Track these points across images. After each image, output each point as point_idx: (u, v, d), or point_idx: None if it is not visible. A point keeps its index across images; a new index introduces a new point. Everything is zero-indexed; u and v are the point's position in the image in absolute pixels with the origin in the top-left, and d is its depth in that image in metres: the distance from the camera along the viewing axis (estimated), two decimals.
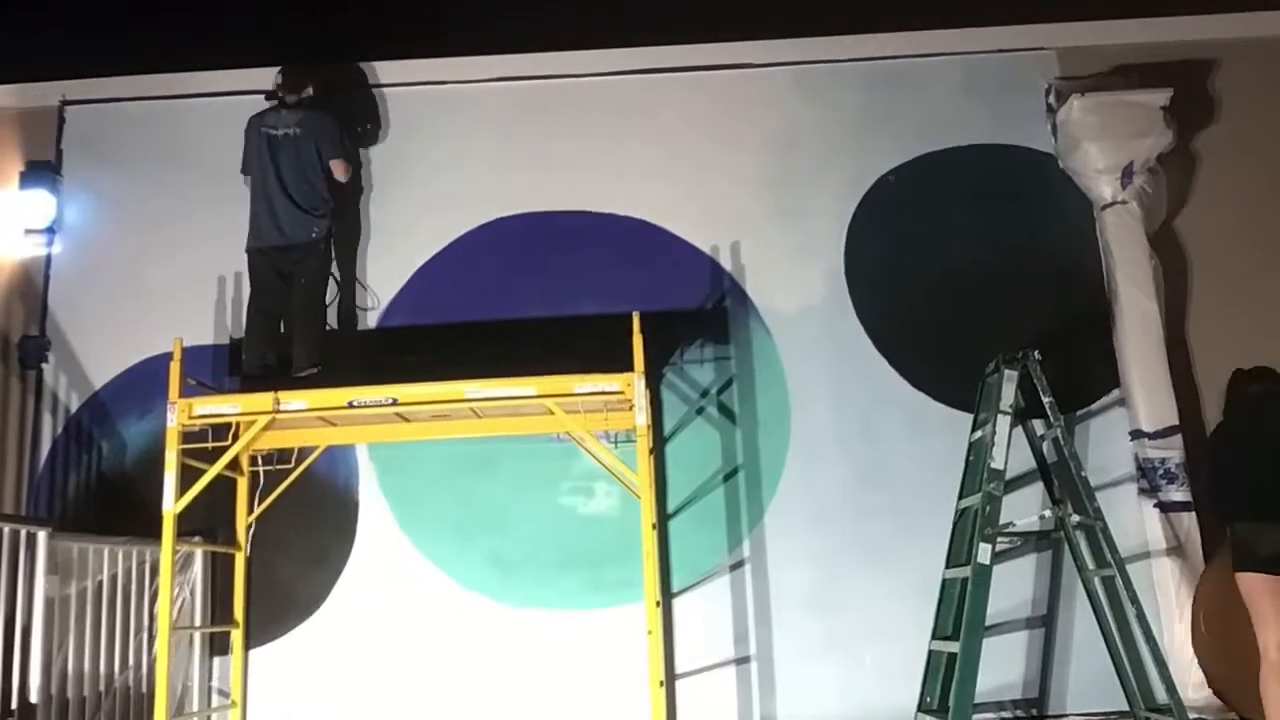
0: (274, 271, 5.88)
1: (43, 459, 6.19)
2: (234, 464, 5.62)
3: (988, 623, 5.13)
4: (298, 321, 5.84)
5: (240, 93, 6.59)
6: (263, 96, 6.24)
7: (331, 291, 6.12)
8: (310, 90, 6.11)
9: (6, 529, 4.73)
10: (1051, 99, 6.35)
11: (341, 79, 6.60)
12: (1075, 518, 5.51)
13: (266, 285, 5.88)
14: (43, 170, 6.50)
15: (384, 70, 6.66)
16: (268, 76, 6.53)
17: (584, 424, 5.36)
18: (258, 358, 5.80)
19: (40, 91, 6.68)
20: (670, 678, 5.69)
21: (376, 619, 5.90)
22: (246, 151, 6.06)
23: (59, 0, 7.59)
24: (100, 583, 5.25)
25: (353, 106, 6.54)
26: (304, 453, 5.99)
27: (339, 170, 6.02)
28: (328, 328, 6.05)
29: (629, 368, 5.21)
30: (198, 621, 5.79)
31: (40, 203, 6.42)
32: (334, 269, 6.10)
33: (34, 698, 4.72)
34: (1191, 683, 5.48)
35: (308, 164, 5.92)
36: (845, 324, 6.24)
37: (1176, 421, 5.83)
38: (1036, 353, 5.54)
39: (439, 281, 6.35)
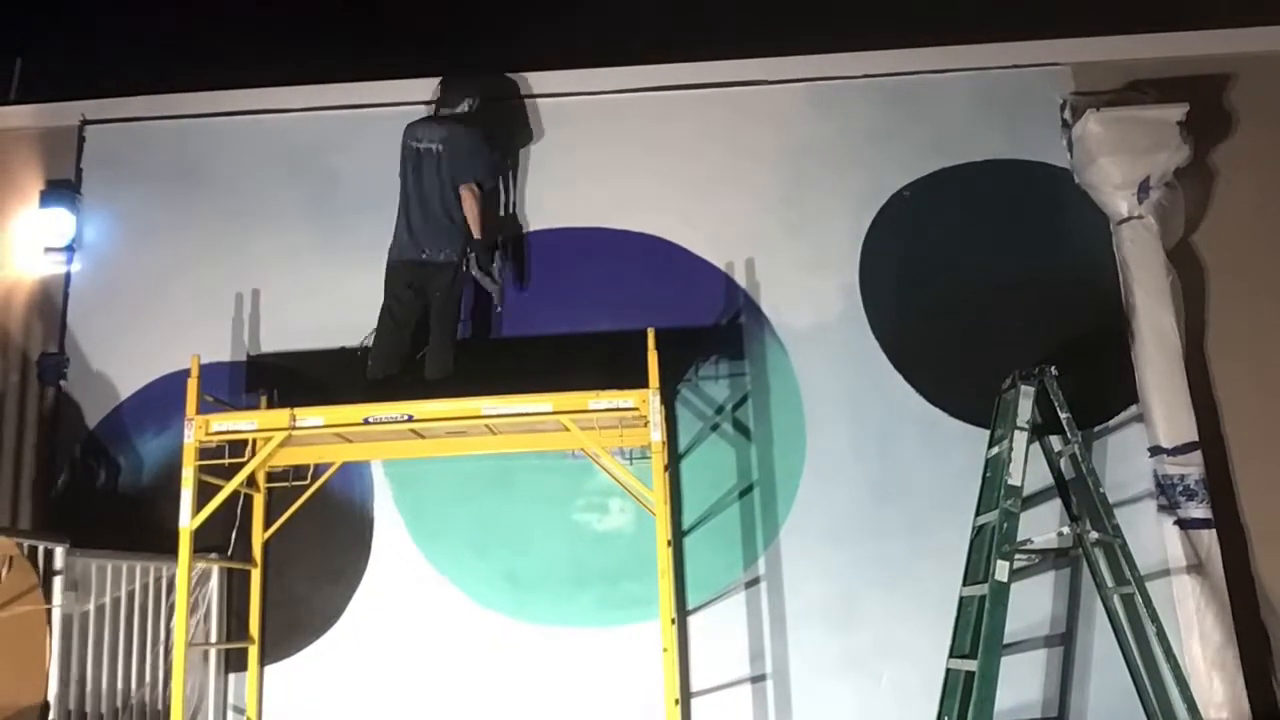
0: (406, 284, 5.85)
1: (61, 475, 6.22)
2: (250, 480, 5.65)
3: (1006, 641, 5.10)
4: (432, 335, 5.83)
5: (258, 111, 6.67)
6: (297, 112, 6.45)
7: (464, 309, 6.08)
8: (467, 105, 6.09)
9: (25, 545, 4.75)
10: (1067, 114, 6.34)
11: (361, 97, 6.65)
12: (1094, 535, 5.49)
13: (398, 296, 5.86)
14: (63, 189, 6.57)
15: (398, 88, 6.68)
16: (285, 95, 6.63)
17: (599, 440, 5.36)
18: (381, 367, 5.77)
19: (60, 111, 6.75)
20: (686, 696, 5.66)
21: (392, 636, 5.90)
22: (402, 156, 6.02)
23: (78, 21, 7.68)
24: (117, 599, 5.27)
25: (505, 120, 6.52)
26: (320, 469, 6.01)
27: (465, 197, 5.85)
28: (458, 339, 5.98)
29: (644, 384, 5.21)
30: (214, 638, 5.80)
31: (60, 221, 6.48)
32: (486, 282, 6.01)
33: (51, 714, 4.74)
34: (1213, 702, 5.42)
35: (447, 182, 5.86)
36: (861, 340, 6.22)
37: (1196, 438, 5.78)
38: (1053, 368, 5.52)
39: None
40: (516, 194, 6.48)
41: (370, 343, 5.93)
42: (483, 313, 6.31)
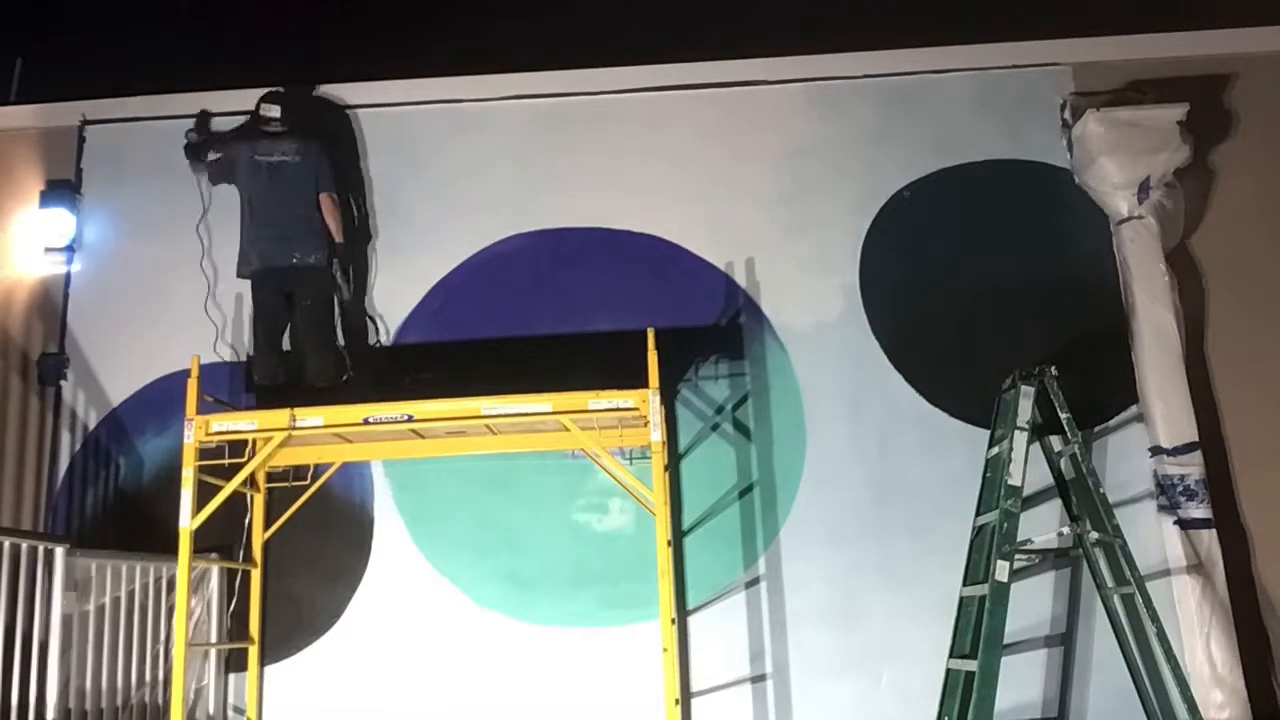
0: (276, 292, 5.96)
1: (61, 476, 6.22)
2: (250, 480, 5.65)
3: (1006, 641, 5.09)
4: (307, 340, 5.92)
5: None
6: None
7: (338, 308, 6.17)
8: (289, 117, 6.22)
9: (25, 545, 4.75)
10: (1067, 114, 6.34)
11: (359, 97, 6.66)
12: (1094, 535, 5.48)
13: (268, 305, 5.97)
14: (63, 189, 6.57)
15: (399, 89, 6.70)
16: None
17: (599, 440, 5.36)
18: (267, 373, 5.90)
19: (61, 111, 6.76)
20: (686, 696, 5.66)
21: (392, 636, 5.90)
22: (221, 170, 6.17)
23: (78, 21, 7.68)
24: (117, 599, 5.27)
25: (343, 130, 6.60)
26: (320, 469, 6.01)
27: (328, 206, 6.03)
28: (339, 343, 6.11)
29: (644, 384, 5.21)
30: (214, 638, 5.80)
31: (60, 221, 6.49)
32: (343, 287, 6.08)
33: (50, 714, 4.74)
34: (1213, 702, 5.42)
35: (306, 190, 6.00)
36: (861, 340, 6.22)
37: (1196, 438, 5.78)
38: (1053, 368, 5.52)
39: (454, 298, 6.37)
40: (366, 205, 6.54)
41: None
42: (491, 312, 6.32)
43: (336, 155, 6.26)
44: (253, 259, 5.94)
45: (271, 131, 6.14)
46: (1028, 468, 5.37)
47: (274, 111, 6.16)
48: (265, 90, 6.54)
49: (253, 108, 6.49)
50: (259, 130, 6.19)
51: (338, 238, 6.04)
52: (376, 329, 6.33)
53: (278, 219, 5.94)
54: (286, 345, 6.08)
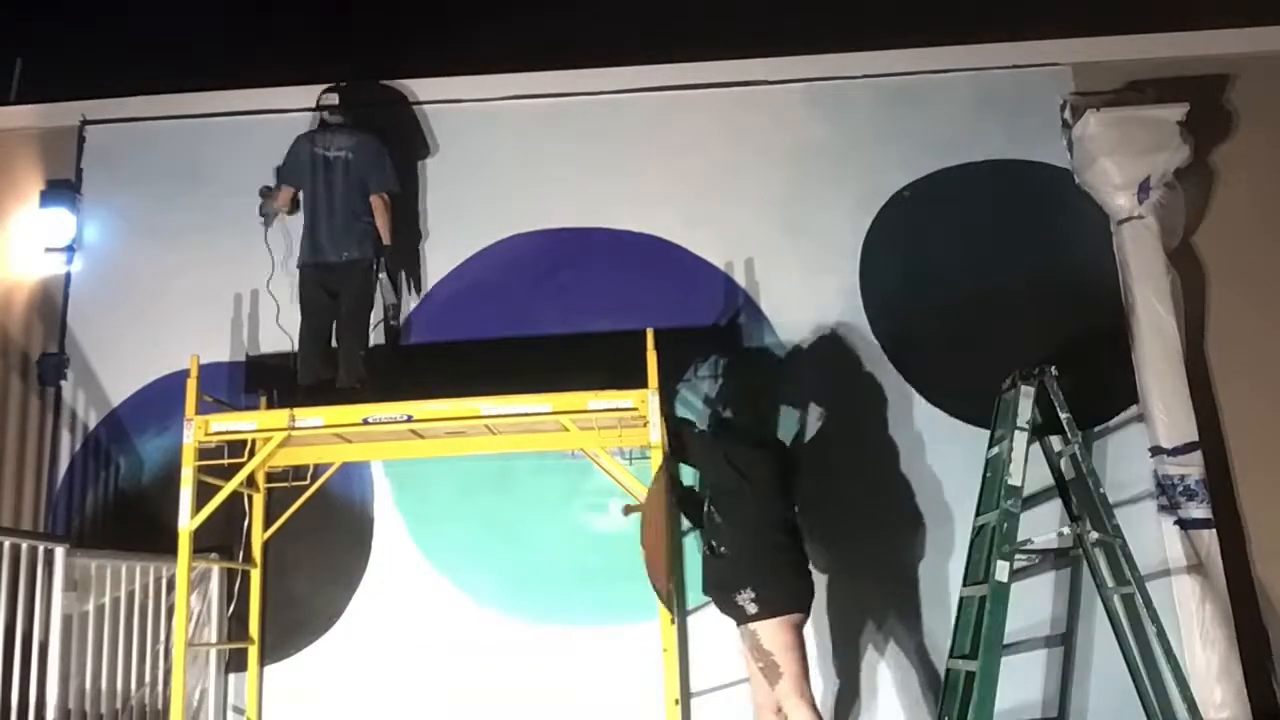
0: (322, 288, 5.92)
1: (61, 475, 6.22)
2: (250, 480, 5.65)
3: (1006, 641, 5.09)
4: (342, 339, 5.87)
5: (258, 112, 6.67)
6: (298, 112, 6.46)
7: (376, 312, 6.07)
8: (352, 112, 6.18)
9: (25, 545, 4.75)
10: (1067, 114, 6.34)
11: (367, 97, 6.66)
12: (1094, 535, 5.48)
13: (315, 301, 5.92)
14: (63, 189, 6.57)
15: (399, 88, 6.70)
16: (285, 95, 6.64)
17: (598, 440, 5.36)
18: (311, 373, 5.81)
19: (61, 111, 6.75)
20: (685, 696, 5.65)
21: (392, 636, 5.90)
22: (290, 166, 6.12)
23: (78, 21, 7.68)
24: (117, 599, 5.27)
25: (395, 127, 6.53)
26: (320, 469, 6.01)
27: (378, 206, 5.94)
28: (371, 345, 6.00)
29: (643, 384, 5.21)
30: (213, 638, 5.80)
31: (60, 221, 6.48)
32: (382, 289, 5.98)
33: (50, 714, 4.74)
34: (1213, 702, 5.42)
35: (357, 187, 5.95)
36: (861, 340, 6.22)
37: (1196, 438, 5.77)
38: (1054, 368, 5.51)
39: (454, 298, 6.37)
40: (419, 203, 6.50)
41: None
42: (490, 312, 6.32)
43: (388, 150, 6.11)
44: (305, 252, 5.95)
45: (333, 123, 6.14)
46: (1028, 468, 5.37)
47: (333, 101, 6.16)
48: (266, 90, 6.58)
49: (254, 108, 6.53)
50: (321, 123, 6.19)
51: (386, 240, 5.95)
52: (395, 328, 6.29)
53: (330, 214, 5.93)
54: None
